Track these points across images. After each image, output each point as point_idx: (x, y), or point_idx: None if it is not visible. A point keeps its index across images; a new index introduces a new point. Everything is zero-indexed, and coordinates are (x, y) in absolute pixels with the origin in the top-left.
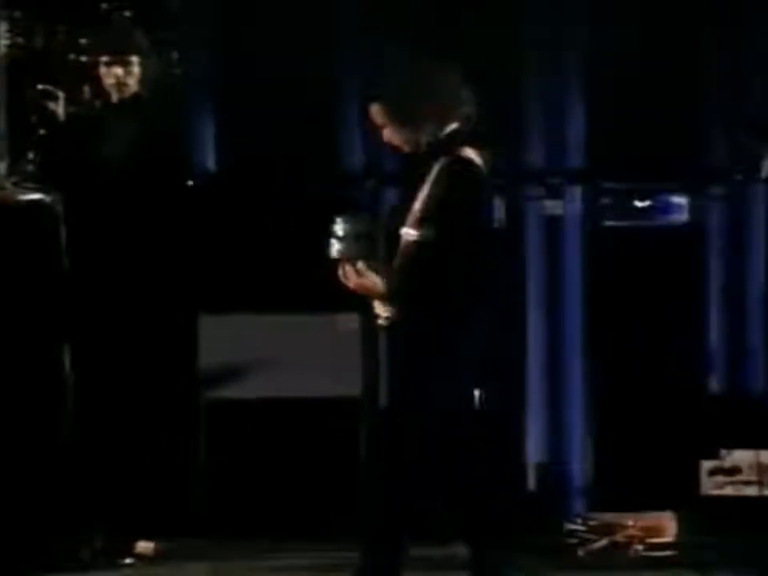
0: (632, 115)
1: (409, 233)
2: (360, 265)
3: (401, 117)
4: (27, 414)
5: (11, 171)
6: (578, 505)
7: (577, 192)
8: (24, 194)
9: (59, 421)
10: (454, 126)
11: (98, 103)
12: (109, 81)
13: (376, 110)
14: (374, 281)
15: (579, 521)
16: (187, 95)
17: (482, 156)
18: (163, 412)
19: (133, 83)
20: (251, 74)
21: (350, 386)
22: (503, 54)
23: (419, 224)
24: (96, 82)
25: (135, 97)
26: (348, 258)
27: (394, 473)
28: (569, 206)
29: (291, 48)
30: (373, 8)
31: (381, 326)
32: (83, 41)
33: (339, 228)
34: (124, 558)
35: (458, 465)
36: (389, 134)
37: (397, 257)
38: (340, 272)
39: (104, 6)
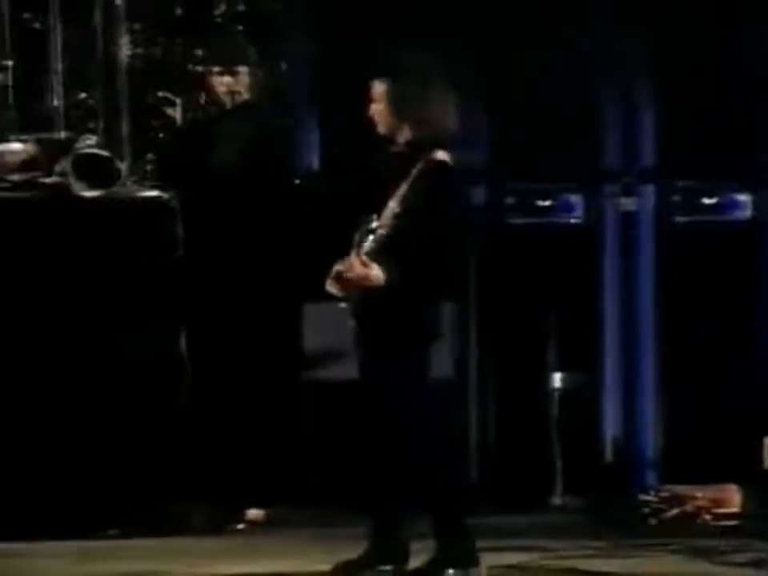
0: (701, 116)
1: (383, 227)
2: (364, 256)
3: (398, 103)
4: (148, 389)
5: (132, 171)
6: (651, 477)
7: (650, 190)
8: (143, 191)
9: (176, 395)
10: (436, 130)
11: (211, 109)
12: (221, 89)
13: (379, 86)
14: (376, 272)
15: (652, 492)
16: (294, 102)
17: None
18: (271, 390)
19: (243, 91)
20: (350, 81)
21: (442, 369)
22: (574, 58)
23: (395, 220)
24: (210, 89)
25: (245, 103)
26: (359, 250)
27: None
28: (642, 202)
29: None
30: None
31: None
32: (199, 52)
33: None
34: (235, 524)
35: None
36: (376, 112)
37: (369, 250)
38: (342, 264)
39: (218, 19)
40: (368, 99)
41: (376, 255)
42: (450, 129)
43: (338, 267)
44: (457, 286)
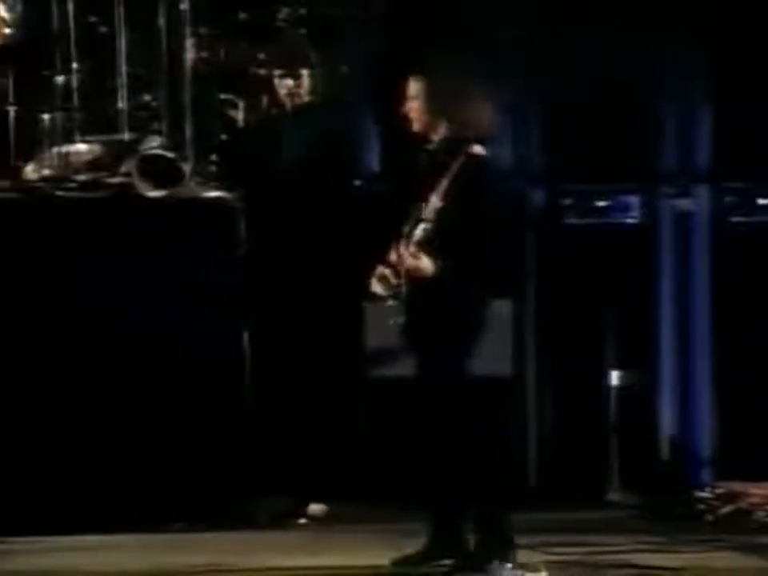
0: (757, 118)
1: (427, 221)
2: (413, 248)
3: (435, 101)
4: (213, 386)
5: (196, 171)
6: (706, 474)
7: (705, 190)
8: (207, 191)
9: (240, 393)
10: (473, 127)
11: (273, 111)
12: (282, 91)
13: (414, 84)
14: (426, 263)
15: (707, 489)
16: (354, 104)
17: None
18: (332, 387)
19: (304, 93)
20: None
21: (502, 366)
22: (632, 61)
23: (438, 214)
24: (272, 92)
25: (306, 105)
26: (408, 242)
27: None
28: (698, 203)
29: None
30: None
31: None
32: (261, 55)
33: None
34: (297, 518)
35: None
36: (412, 109)
37: (416, 243)
38: (393, 254)
39: (281, 23)
40: (403, 97)
41: (422, 248)
42: (487, 125)
43: (381, 269)
44: (505, 280)
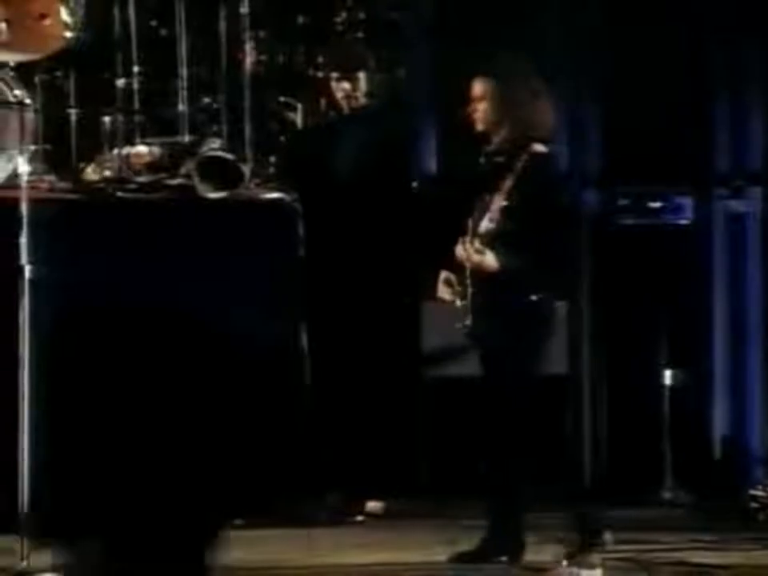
0: None
1: (492, 221)
2: (478, 244)
3: (502, 102)
4: (270, 386)
5: (255, 173)
6: (759, 472)
7: (758, 192)
8: (266, 193)
9: (298, 392)
10: (536, 129)
11: (331, 114)
12: (339, 94)
13: (480, 85)
14: (490, 259)
15: (760, 487)
16: (412, 107)
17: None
18: (390, 386)
19: (361, 96)
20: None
21: (557, 365)
22: (686, 62)
23: (503, 214)
24: (329, 95)
25: (363, 108)
26: (474, 240)
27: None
28: (750, 204)
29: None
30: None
31: (465, 306)
32: (320, 58)
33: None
34: (355, 515)
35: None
36: (478, 110)
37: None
38: (460, 249)
39: (339, 27)
40: (467, 98)
41: (487, 246)
42: (549, 126)
43: (445, 273)
44: (567, 280)
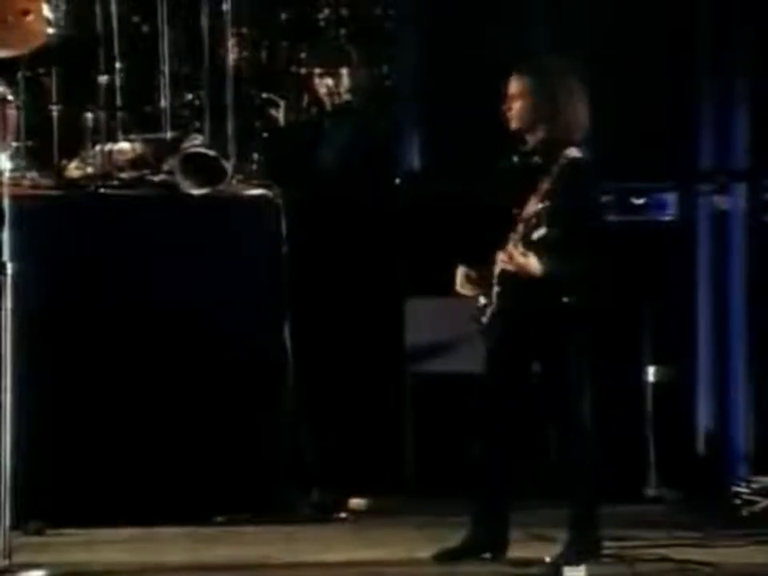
0: None
1: (530, 225)
2: (521, 247)
3: (542, 100)
4: (252, 383)
5: (237, 170)
6: (743, 469)
7: (742, 189)
8: (249, 189)
9: (281, 389)
10: (572, 129)
11: (313, 110)
12: (322, 90)
13: (519, 80)
14: (534, 262)
15: (743, 483)
16: (395, 103)
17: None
18: (375, 383)
19: (343, 93)
20: (451, 84)
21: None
22: (669, 58)
23: (541, 217)
24: (312, 91)
25: (346, 105)
26: (515, 243)
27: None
28: (735, 201)
29: (484, 61)
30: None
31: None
32: (302, 55)
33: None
34: (338, 512)
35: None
36: (515, 106)
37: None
38: (503, 254)
39: (322, 23)
40: (505, 94)
41: (528, 248)
42: (585, 128)
43: (462, 269)
44: (595, 285)
